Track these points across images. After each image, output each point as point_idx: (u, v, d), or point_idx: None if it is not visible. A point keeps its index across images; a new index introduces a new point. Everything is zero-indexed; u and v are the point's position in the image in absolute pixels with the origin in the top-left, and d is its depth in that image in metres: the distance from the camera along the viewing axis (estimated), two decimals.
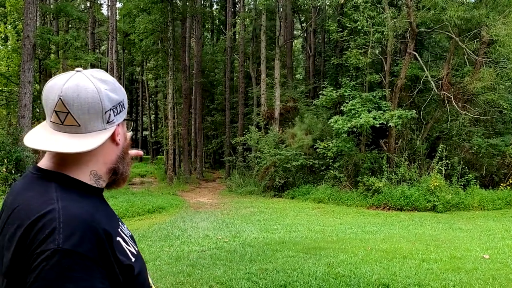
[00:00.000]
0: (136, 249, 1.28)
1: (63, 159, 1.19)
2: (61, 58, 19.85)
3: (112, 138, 1.23)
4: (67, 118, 1.15)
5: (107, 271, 1.08)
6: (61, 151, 1.14)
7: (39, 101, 23.04)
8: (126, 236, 1.26)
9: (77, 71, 1.19)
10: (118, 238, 1.19)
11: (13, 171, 13.26)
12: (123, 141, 1.29)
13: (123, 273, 1.14)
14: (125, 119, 1.28)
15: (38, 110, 22.16)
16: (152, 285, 1.34)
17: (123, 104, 1.24)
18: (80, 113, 1.14)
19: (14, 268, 1.06)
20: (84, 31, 29.14)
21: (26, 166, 13.56)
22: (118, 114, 1.22)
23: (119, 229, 1.24)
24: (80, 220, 1.07)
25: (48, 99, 1.16)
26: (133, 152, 1.37)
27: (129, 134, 1.33)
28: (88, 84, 1.15)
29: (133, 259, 1.20)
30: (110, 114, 1.19)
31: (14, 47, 20.99)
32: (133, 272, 1.17)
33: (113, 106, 1.20)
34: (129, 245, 1.23)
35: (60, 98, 1.14)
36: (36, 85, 22.83)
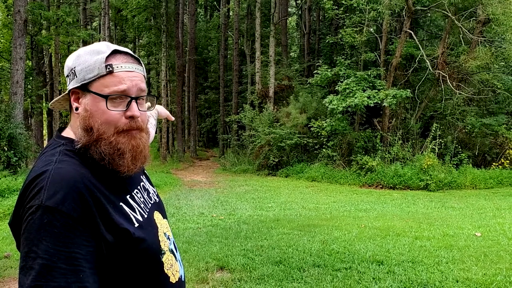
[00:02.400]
0: (146, 216, 1.32)
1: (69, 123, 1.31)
2: (53, 34, 19.53)
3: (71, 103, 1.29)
4: None
5: (92, 232, 1.12)
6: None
7: (31, 78, 22.80)
8: (137, 202, 1.31)
9: None
10: (121, 203, 1.24)
11: (5, 148, 13.17)
12: (82, 113, 1.23)
13: (117, 235, 1.17)
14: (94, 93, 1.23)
15: (30, 87, 21.94)
16: (167, 250, 1.36)
17: (74, 72, 1.25)
18: None
19: (14, 220, 1.16)
20: (76, 7, 28.64)
21: (19, 143, 13.47)
22: (71, 81, 1.26)
23: (127, 196, 1.29)
24: (66, 180, 1.12)
25: None
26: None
27: (112, 113, 1.22)
28: None
29: (136, 225, 1.24)
30: (67, 80, 1.29)
31: (5, 22, 20.64)
32: (130, 236, 1.19)
33: (68, 72, 1.27)
34: (135, 212, 1.27)
35: None
36: (28, 61, 22.55)
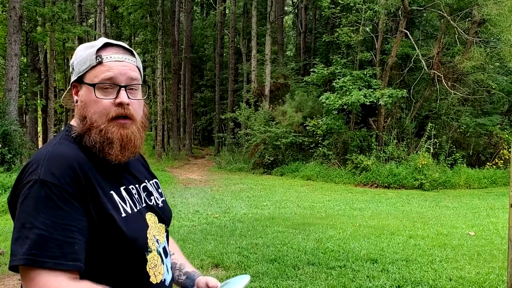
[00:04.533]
0: (136, 210, 1.32)
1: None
2: (48, 30, 19.43)
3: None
4: None
5: (85, 209, 1.17)
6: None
7: (26, 74, 22.68)
8: (131, 196, 1.34)
9: None
10: (112, 192, 1.27)
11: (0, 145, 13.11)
12: (79, 104, 1.31)
13: (101, 219, 1.20)
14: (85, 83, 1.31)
15: (24, 84, 21.82)
16: (155, 250, 1.35)
17: (72, 67, 1.33)
18: None
19: (12, 198, 1.21)
20: (71, 4, 28.52)
21: (13, 140, 13.41)
22: (71, 76, 1.35)
23: (121, 187, 1.33)
24: (62, 158, 1.19)
25: None
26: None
27: (102, 101, 1.27)
28: None
29: (123, 214, 1.26)
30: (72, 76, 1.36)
31: (0, 19, 20.52)
32: (114, 222, 1.21)
33: (71, 69, 1.35)
34: (125, 203, 1.29)
35: None
36: (23, 58, 22.43)
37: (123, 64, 1.31)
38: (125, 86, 1.29)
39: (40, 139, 31.11)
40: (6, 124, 13.21)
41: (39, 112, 29.24)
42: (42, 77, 25.26)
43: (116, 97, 1.28)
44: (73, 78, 1.33)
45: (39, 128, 31.99)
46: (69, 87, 1.37)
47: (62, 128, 1.44)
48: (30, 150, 15.38)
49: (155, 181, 1.56)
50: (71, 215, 1.13)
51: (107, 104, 1.27)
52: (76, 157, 1.21)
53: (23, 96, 21.25)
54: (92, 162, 1.25)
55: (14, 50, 14.54)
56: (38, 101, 23.42)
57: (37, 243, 1.07)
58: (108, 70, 1.28)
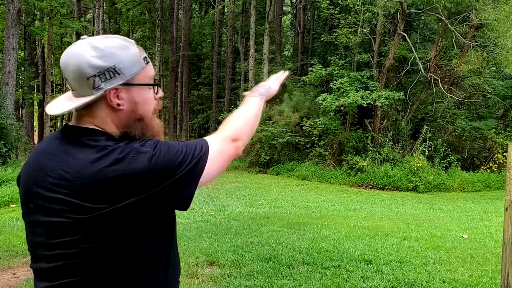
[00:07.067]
0: None
1: (80, 118, 1.28)
2: (47, 25, 19.37)
3: (107, 103, 1.26)
4: (67, 83, 1.28)
5: None
6: (52, 113, 1.29)
7: (23, 68, 22.62)
8: None
9: (82, 38, 1.27)
10: None
11: None
12: (129, 106, 1.28)
13: None
14: (141, 84, 1.30)
15: (21, 78, 21.76)
16: None
17: (114, 70, 1.23)
18: (71, 79, 1.24)
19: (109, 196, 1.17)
20: None
21: (9, 134, 13.37)
22: (106, 80, 1.23)
23: None
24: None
25: None
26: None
27: (153, 99, 1.36)
28: (76, 51, 1.23)
29: None
30: (94, 80, 1.22)
31: None
32: None
33: (98, 72, 1.22)
34: None
35: (60, 65, 1.28)
36: (21, 52, 22.36)
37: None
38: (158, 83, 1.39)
39: (36, 133, 30.99)
40: (2, 117, 13.17)
41: (36, 107, 29.14)
42: (39, 71, 25.17)
43: (157, 92, 1.36)
44: (118, 82, 1.25)
45: (35, 123, 31.86)
46: (102, 93, 1.24)
47: (70, 130, 1.31)
48: (26, 144, 15.35)
49: None
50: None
51: (154, 101, 1.37)
52: None
53: (20, 90, 21.19)
54: None
55: (11, 44, 14.51)
56: (35, 95, 23.36)
57: (196, 151, 1.26)
58: (151, 70, 1.34)
